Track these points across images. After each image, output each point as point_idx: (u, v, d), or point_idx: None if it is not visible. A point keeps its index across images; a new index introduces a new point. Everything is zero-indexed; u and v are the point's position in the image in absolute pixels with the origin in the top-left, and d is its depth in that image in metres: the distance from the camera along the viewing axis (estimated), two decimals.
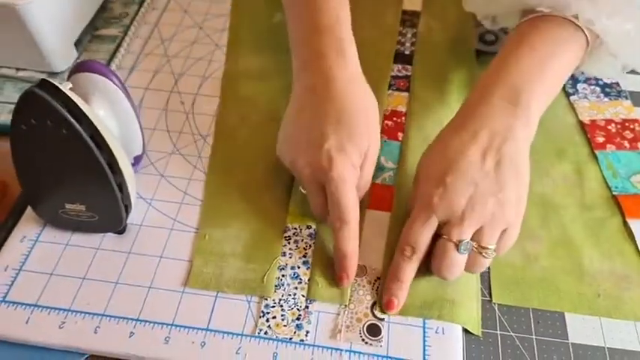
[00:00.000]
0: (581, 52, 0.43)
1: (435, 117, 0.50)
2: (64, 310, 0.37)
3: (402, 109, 0.51)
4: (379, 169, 0.46)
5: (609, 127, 0.50)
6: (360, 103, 0.41)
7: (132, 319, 0.37)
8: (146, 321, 0.37)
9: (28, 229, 0.42)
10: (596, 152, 0.48)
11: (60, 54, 0.53)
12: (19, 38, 0.50)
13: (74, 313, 0.37)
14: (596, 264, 0.41)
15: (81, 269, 0.40)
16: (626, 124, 0.51)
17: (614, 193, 0.45)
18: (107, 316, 0.37)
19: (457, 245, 0.36)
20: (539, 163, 0.47)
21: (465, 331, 0.38)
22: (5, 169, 0.39)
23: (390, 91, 0.53)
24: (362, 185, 0.41)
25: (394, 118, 0.50)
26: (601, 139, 0.49)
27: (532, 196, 0.45)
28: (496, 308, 0.39)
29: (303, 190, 0.41)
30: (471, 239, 0.37)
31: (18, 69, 0.54)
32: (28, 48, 0.51)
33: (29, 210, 0.43)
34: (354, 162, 0.39)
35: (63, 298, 0.38)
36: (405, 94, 0.52)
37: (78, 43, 0.56)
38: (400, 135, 0.49)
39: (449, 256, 0.36)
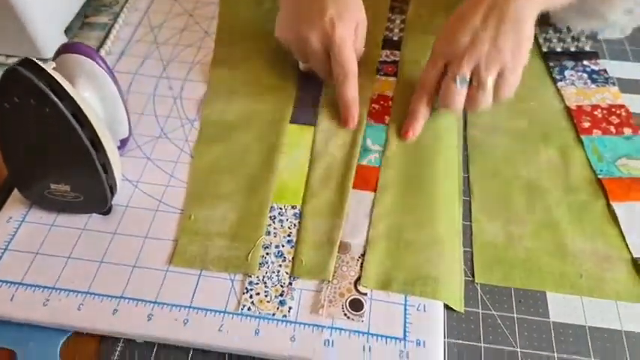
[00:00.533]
0: None
1: None
2: (49, 287, 0.38)
3: (389, 93, 0.51)
4: (365, 150, 0.46)
5: (595, 113, 0.51)
6: None
7: (115, 297, 0.37)
8: (129, 298, 0.37)
9: (14, 210, 0.42)
10: (582, 137, 0.49)
11: (50, 41, 0.53)
12: (9, 25, 0.50)
13: (58, 291, 0.37)
14: (579, 245, 0.41)
15: (66, 249, 0.40)
16: (613, 110, 0.51)
17: (599, 176, 0.45)
18: (91, 293, 0.37)
19: (455, 79, 0.43)
20: (526, 148, 0.47)
21: (447, 309, 0.38)
22: None
23: (378, 77, 0.53)
24: (357, 47, 0.48)
25: (381, 102, 0.50)
26: (587, 124, 0.50)
27: (518, 181, 0.45)
28: (478, 288, 0.39)
29: (301, 67, 0.48)
30: (471, 78, 0.43)
31: (8, 56, 0.54)
32: (18, 35, 0.51)
33: (16, 191, 0.43)
34: (350, 27, 0.46)
35: (48, 276, 0.38)
36: (393, 79, 0.53)
37: (68, 30, 0.56)
38: (387, 118, 0.49)
39: (450, 89, 0.44)
